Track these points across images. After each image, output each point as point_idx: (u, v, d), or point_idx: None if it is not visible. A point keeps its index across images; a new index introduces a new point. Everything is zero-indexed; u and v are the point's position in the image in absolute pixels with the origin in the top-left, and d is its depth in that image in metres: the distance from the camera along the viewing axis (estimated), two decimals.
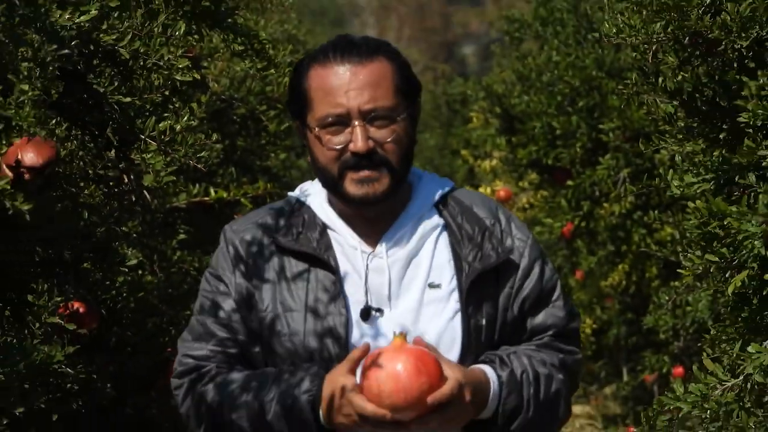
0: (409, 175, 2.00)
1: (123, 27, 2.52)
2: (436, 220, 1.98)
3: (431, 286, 1.93)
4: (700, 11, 2.70)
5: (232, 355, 1.96)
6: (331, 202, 1.99)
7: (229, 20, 3.08)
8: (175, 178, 2.88)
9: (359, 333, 1.89)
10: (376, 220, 1.96)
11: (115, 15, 2.52)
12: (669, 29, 2.82)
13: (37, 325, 2.74)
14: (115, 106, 2.63)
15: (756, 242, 2.47)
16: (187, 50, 2.76)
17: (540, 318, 1.98)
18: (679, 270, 2.71)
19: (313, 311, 1.91)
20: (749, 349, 2.56)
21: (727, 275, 2.68)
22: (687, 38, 2.79)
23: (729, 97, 2.71)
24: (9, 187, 1.98)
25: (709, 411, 2.68)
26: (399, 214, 1.97)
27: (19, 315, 2.80)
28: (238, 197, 3.34)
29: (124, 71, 2.67)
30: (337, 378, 1.83)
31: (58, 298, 2.79)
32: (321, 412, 1.85)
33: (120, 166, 2.78)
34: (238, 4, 2.94)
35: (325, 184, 1.97)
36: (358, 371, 1.81)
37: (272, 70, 4.08)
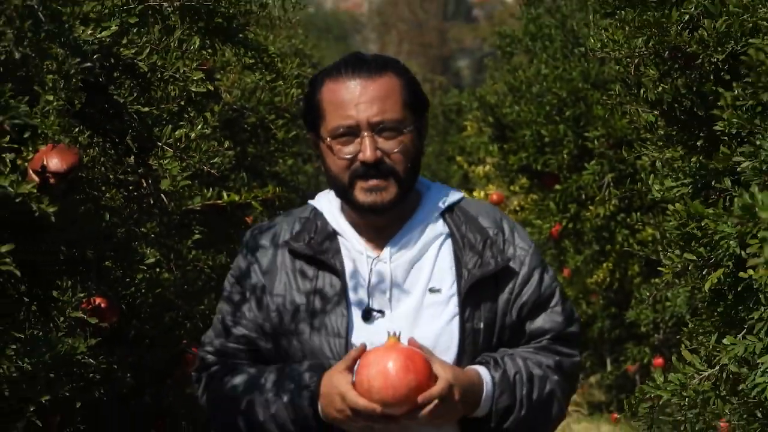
0: (418, 185, 1.99)
1: (141, 42, 2.52)
2: (440, 228, 1.97)
3: (432, 290, 1.92)
4: (679, 27, 2.70)
5: (247, 352, 1.96)
6: (343, 210, 1.99)
7: (240, 35, 3.08)
8: (190, 183, 2.88)
9: (360, 333, 1.88)
10: (384, 227, 1.96)
11: (134, 30, 2.52)
12: (650, 44, 2.82)
13: (62, 319, 2.73)
14: (134, 116, 2.63)
15: (731, 242, 2.47)
16: (201, 63, 2.76)
17: (538, 322, 1.96)
18: (659, 268, 2.70)
19: (319, 312, 1.91)
20: (725, 341, 2.56)
21: (704, 273, 2.67)
22: (667, 52, 2.79)
23: (706, 107, 2.70)
24: (35, 191, 1.97)
25: (687, 399, 2.67)
26: (406, 222, 1.96)
27: (45, 310, 2.79)
28: (248, 200, 3.33)
29: (142, 83, 2.66)
30: (333, 375, 1.82)
31: (81, 294, 2.79)
32: (320, 407, 1.84)
33: (139, 171, 2.78)
34: (249, 21, 2.93)
35: (336, 192, 1.97)
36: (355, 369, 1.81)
37: (280, 82, 4.08)
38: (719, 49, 2.59)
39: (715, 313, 2.72)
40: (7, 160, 2.28)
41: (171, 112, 2.74)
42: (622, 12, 2.91)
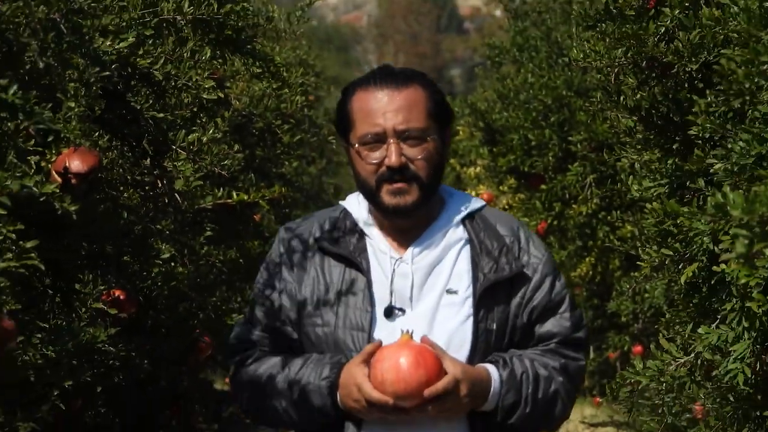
0: (442, 192, 1.98)
1: (157, 52, 2.52)
2: (460, 234, 1.96)
3: (449, 291, 1.91)
4: (656, 39, 2.70)
5: (276, 341, 1.96)
6: (370, 212, 1.98)
7: (249, 47, 3.07)
8: (202, 183, 2.87)
9: (382, 329, 1.88)
10: (408, 230, 1.95)
11: (150, 42, 2.51)
12: (629, 54, 2.82)
13: (84, 310, 2.73)
14: (150, 121, 2.62)
15: (705, 238, 2.47)
16: (212, 72, 2.76)
17: (547, 326, 1.95)
18: (638, 262, 2.70)
19: (344, 306, 1.90)
20: (699, 330, 2.56)
21: (679, 267, 2.67)
22: (644, 62, 2.79)
23: (681, 113, 2.70)
24: (58, 191, 1.96)
25: (664, 384, 2.67)
26: (428, 227, 1.96)
27: (68, 301, 2.79)
28: (256, 200, 3.32)
29: (157, 90, 2.66)
30: (351, 367, 1.82)
31: (102, 287, 2.78)
32: (339, 397, 1.84)
33: (155, 172, 2.78)
34: (257, 33, 2.93)
35: (364, 195, 1.96)
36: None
37: (286, 90, 4.08)
38: (693, 59, 2.59)
39: (691, 305, 2.72)
40: (32, 162, 2.28)
41: (184, 117, 2.74)
42: (603, 25, 2.90)
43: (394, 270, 1.91)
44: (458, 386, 1.78)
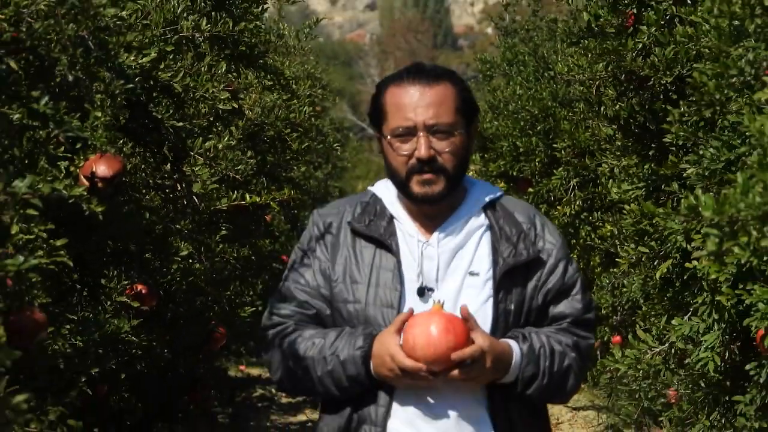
0: (465, 182, 1.97)
1: (177, 66, 2.52)
2: (482, 220, 1.95)
3: (471, 273, 1.90)
4: (634, 54, 2.70)
5: (309, 315, 1.94)
6: (399, 198, 1.97)
7: (261, 61, 3.07)
8: (218, 186, 2.88)
9: (410, 305, 1.87)
10: (433, 216, 1.94)
11: (171, 57, 2.51)
12: (609, 68, 2.82)
13: (109, 303, 2.73)
14: (170, 129, 2.62)
15: (678, 237, 2.47)
16: (228, 85, 2.76)
17: (560, 307, 1.95)
18: (617, 259, 2.70)
19: (375, 285, 1.88)
20: (673, 322, 2.56)
21: (655, 263, 2.67)
22: (623, 75, 2.79)
23: (657, 122, 2.70)
24: (86, 194, 1.96)
25: (641, 371, 2.67)
26: (452, 213, 1.95)
27: (94, 295, 2.79)
28: (268, 201, 3.32)
29: (177, 101, 2.66)
30: (384, 337, 1.81)
31: (125, 282, 2.78)
32: (372, 366, 1.83)
33: (174, 176, 2.78)
34: (268, 49, 2.93)
35: (395, 183, 1.94)
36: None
37: (295, 101, 4.08)
38: (668, 72, 2.59)
39: (665, 298, 2.72)
40: (62, 167, 2.28)
41: (202, 126, 2.74)
42: (585, 41, 2.91)
43: (421, 252, 1.90)
44: (484, 356, 1.78)
